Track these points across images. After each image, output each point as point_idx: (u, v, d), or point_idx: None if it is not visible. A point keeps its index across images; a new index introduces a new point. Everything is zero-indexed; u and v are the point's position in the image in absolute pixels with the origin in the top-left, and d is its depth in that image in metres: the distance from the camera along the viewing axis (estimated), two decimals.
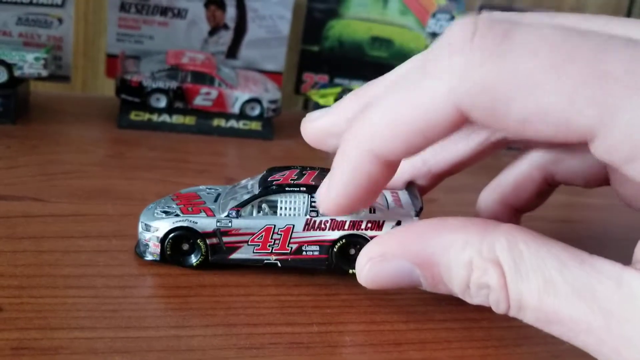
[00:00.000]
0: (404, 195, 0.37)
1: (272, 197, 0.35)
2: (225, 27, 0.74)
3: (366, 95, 0.31)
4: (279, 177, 0.36)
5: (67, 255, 0.36)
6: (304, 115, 0.33)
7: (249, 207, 0.35)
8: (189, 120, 0.66)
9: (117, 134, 0.63)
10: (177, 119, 0.65)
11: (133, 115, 0.65)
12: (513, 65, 0.22)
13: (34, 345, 0.28)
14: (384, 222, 0.35)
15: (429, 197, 0.56)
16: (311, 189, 0.35)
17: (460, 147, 0.36)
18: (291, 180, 0.35)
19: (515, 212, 0.38)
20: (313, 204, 0.34)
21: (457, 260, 0.26)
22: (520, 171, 0.37)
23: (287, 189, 0.35)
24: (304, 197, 0.35)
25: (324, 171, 0.36)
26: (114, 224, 0.40)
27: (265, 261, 0.35)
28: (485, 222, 0.27)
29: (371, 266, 0.29)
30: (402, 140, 0.26)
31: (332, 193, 0.29)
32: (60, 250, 0.36)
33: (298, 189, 0.35)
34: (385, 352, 0.31)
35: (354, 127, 0.28)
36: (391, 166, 0.28)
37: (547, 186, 0.37)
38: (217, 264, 0.36)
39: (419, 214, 0.35)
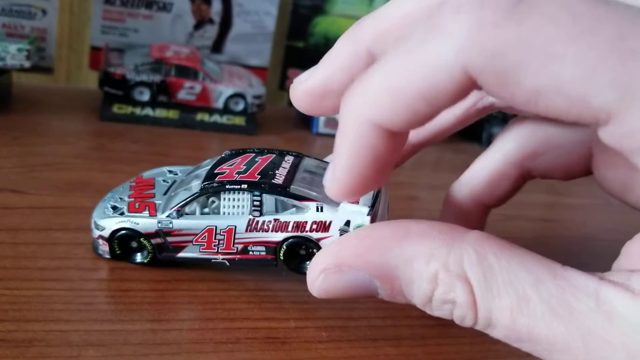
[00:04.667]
0: None
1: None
2: (211, 21, 0.74)
3: (363, 35, 0.28)
4: (225, 169, 0.34)
5: (44, 247, 0.36)
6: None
7: (193, 204, 0.34)
8: (172, 114, 0.65)
9: (99, 126, 0.62)
10: (160, 112, 0.65)
11: (116, 108, 0.64)
12: (530, 31, 0.20)
13: (8, 337, 0.28)
14: (331, 222, 0.32)
15: (411, 195, 0.57)
16: (253, 186, 0.32)
17: (443, 115, 0.33)
18: (236, 173, 0.33)
19: (485, 208, 0.37)
20: (256, 202, 0.33)
21: (420, 274, 0.24)
22: (495, 168, 0.35)
23: (227, 186, 0.33)
24: (246, 195, 0.33)
25: (281, 155, 0.35)
26: None
27: (213, 260, 0.34)
28: (451, 230, 0.25)
29: (325, 277, 0.26)
30: (404, 108, 0.23)
31: (337, 176, 0.26)
32: (37, 243, 0.36)
33: (239, 186, 0.33)
34: (362, 347, 0.31)
35: (350, 95, 0.24)
36: (398, 136, 0.25)
37: (522, 181, 0.36)
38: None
39: (371, 211, 0.31)
